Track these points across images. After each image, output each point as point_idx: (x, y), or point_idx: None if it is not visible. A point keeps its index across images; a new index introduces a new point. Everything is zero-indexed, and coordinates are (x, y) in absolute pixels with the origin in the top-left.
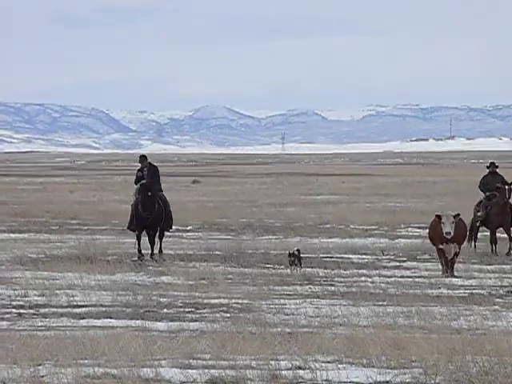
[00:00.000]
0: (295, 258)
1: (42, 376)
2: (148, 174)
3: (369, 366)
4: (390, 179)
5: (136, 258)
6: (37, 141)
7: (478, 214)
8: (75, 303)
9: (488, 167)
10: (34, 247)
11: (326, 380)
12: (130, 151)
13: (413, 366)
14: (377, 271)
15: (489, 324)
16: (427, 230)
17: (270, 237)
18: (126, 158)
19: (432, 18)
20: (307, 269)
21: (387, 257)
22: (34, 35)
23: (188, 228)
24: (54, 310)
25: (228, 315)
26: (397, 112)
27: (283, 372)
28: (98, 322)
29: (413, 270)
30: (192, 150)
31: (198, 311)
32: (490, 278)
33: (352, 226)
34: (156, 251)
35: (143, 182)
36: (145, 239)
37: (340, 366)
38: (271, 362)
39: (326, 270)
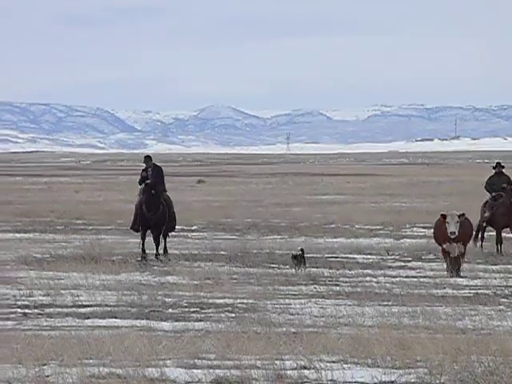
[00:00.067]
0: (299, 260)
1: (47, 376)
2: (152, 175)
3: (374, 366)
4: (395, 179)
5: (140, 258)
6: (42, 141)
7: (485, 214)
8: (80, 303)
9: (494, 167)
10: (39, 247)
11: (330, 380)
12: (135, 151)
13: (418, 365)
14: (382, 271)
15: (494, 324)
16: (432, 230)
17: (275, 237)
18: (130, 158)
19: (437, 18)
20: (312, 269)
21: (392, 257)
22: (40, 35)
23: (193, 228)
24: (59, 309)
25: (233, 315)
26: (402, 112)
27: (288, 372)
28: (103, 322)
29: (418, 270)
30: (197, 149)
31: (203, 311)
32: (496, 278)
33: (357, 226)
34: (161, 251)
35: (147, 181)
36: (149, 239)
37: (345, 365)
38: (276, 361)
39: (331, 270)
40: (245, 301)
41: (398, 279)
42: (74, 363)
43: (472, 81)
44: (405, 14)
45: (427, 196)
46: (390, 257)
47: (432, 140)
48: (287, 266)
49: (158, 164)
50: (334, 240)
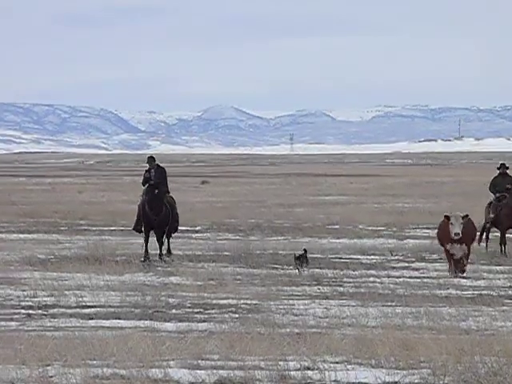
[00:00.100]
0: (302, 260)
1: (51, 376)
2: (155, 176)
3: (377, 367)
4: (398, 180)
5: (143, 259)
6: (46, 141)
7: (489, 215)
8: (84, 304)
9: (498, 168)
10: (42, 248)
11: (334, 381)
12: (139, 152)
13: (421, 366)
14: (385, 272)
15: (498, 325)
16: (436, 231)
17: (279, 237)
18: (134, 159)
19: (442, 18)
20: (316, 269)
21: (396, 257)
22: (42, 35)
23: (197, 228)
24: (63, 310)
25: (237, 316)
26: (405, 112)
27: (292, 372)
28: (107, 323)
29: (421, 271)
30: (200, 150)
31: (206, 312)
32: (499, 279)
33: (360, 227)
34: (164, 252)
35: (151, 182)
36: (152, 240)
37: (349, 366)
38: (280, 362)
39: (334, 271)
40: (248, 301)
41: (401, 280)
42: (78, 364)
43: (475, 81)
44: (407, 13)
45: (430, 196)
46: (393, 257)
47: (435, 141)
48: (291, 267)
49: (162, 165)
50: (338, 241)
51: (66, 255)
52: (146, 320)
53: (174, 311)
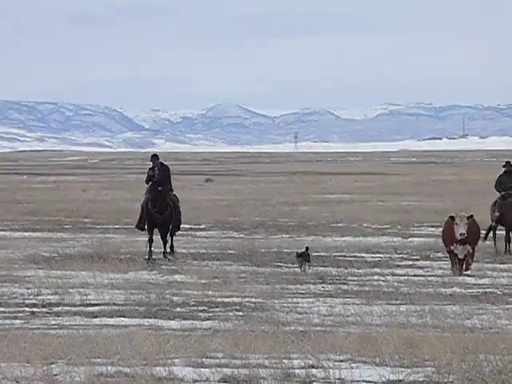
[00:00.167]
0: (304, 257)
1: (55, 374)
2: (159, 174)
3: (382, 365)
4: (403, 178)
5: (147, 257)
6: (50, 139)
7: (495, 213)
8: (88, 302)
9: (504, 166)
10: (47, 246)
11: (338, 379)
12: (143, 150)
13: (426, 364)
14: (390, 270)
15: (502, 323)
16: (440, 229)
17: (283, 236)
18: (138, 157)
19: (446, 17)
20: (320, 268)
21: (400, 256)
22: (48, 34)
23: (201, 227)
24: (67, 308)
25: (241, 314)
26: (410, 111)
27: (296, 371)
28: (111, 321)
29: (426, 269)
30: (205, 148)
31: (210, 310)
32: (504, 277)
33: (365, 225)
34: (168, 250)
35: (154, 179)
36: (156, 238)
37: (353, 364)
38: (284, 360)
39: (338, 269)
40: (253, 300)
41: (406, 278)
42: (82, 362)
43: (480, 79)
44: (413, 14)
45: (435, 195)
46: (398, 256)
47: (440, 139)
48: (295, 265)
49: (166, 163)
50: (342, 239)
51: (70, 253)
52: (151, 318)
53: (178, 309)
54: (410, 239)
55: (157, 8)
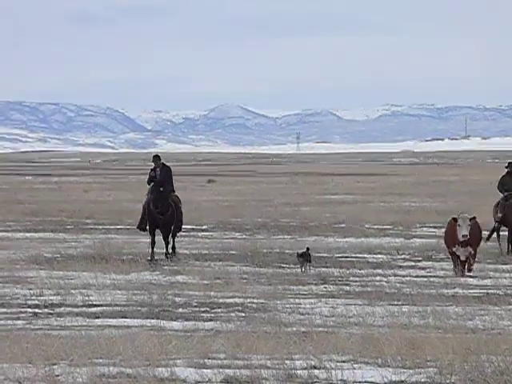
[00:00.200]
0: (305, 258)
1: (57, 375)
2: (161, 174)
3: (384, 366)
4: (405, 179)
5: (149, 258)
6: (52, 140)
7: (497, 214)
8: (90, 302)
9: (506, 167)
10: (49, 246)
11: (341, 380)
12: (145, 150)
13: (428, 365)
14: (392, 271)
15: (504, 324)
16: (443, 230)
17: (285, 236)
18: (140, 158)
19: (448, 18)
20: (322, 268)
21: (402, 256)
22: (48, 34)
23: (203, 227)
24: (69, 309)
25: (243, 315)
26: (412, 112)
27: (298, 371)
28: (113, 322)
29: (428, 270)
30: (207, 149)
31: (213, 311)
32: (506, 278)
33: (367, 226)
34: (170, 250)
35: (155, 180)
36: (158, 238)
37: (355, 365)
38: (286, 361)
39: (341, 270)
40: (255, 300)
41: (408, 279)
42: (84, 363)
43: (481, 80)
44: (416, 14)
45: (437, 196)
46: (400, 256)
47: (442, 140)
48: (297, 266)
49: (168, 164)
50: (344, 239)
51: (72, 254)
52: (153, 319)
53: (180, 310)
54: (412, 240)
55: (157, 8)
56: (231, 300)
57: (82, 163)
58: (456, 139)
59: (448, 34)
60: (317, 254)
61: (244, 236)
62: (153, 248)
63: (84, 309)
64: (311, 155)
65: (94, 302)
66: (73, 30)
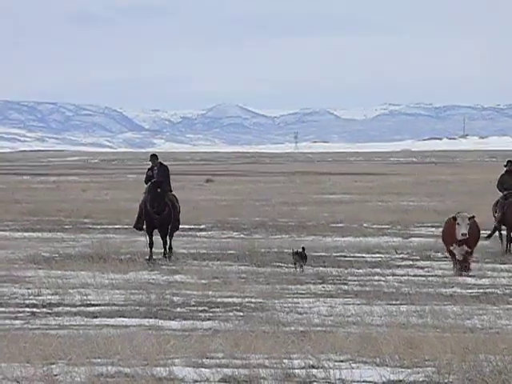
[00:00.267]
0: (300, 256)
1: (55, 375)
2: (158, 174)
3: (382, 365)
4: (403, 178)
5: (148, 257)
6: (50, 140)
7: (497, 214)
8: (88, 302)
9: (505, 166)
10: (47, 246)
11: (339, 379)
12: (143, 150)
13: (426, 365)
14: (390, 270)
15: (502, 323)
16: (441, 230)
17: (283, 236)
18: (138, 157)
19: (446, 17)
20: (320, 268)
21: (400, 256)
22: (48, 34)
23: (201, 227)
24: (68, 308)
25: (241, 314)
26: (410, 111)
27: (296, 371)
28: (111, 321)
29: (426, 269)
30: (205, 148)
31: (211, 310)
32: (504, 277)
33: (365, 225)
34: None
35: (153, 180)
36: (155, 238)
37: (353, 364)
38: (284, 360)
39: (339, 269)
40: (253, 300)
41: (406, 278)
42: (82, 362)
43: (480, 79)
44: (413, 14)
45: (435, 195)
46: (398, 256)
47: (440, 139)
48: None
49: (165, 163)
50: (342, 239)
51: (70, 253)
52: (151, 318)
53: (178, 309)
54: (410, 239)
55: (157, 8)
56: (229, 299)
57: (81, 163)
58: (454, 138)
59: (446, 34)
60: (315, 254)
61: (242, 235)
62: (151, 248)
63: (82, 308)
64: (309, 154)
65: (92, 302)
66: (73, 30)
